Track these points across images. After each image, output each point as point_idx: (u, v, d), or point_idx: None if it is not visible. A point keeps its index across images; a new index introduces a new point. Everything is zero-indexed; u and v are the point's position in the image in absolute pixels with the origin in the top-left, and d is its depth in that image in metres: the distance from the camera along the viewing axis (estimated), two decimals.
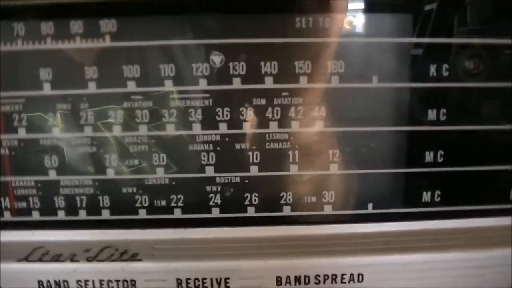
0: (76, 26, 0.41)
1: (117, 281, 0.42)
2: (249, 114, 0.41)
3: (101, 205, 0.43)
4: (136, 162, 0.42)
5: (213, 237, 0.43)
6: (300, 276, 0.41)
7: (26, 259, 0.42)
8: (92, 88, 0.42)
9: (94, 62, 0.40)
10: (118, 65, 0.41)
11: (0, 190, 0.44)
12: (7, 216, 0.44)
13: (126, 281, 0.41)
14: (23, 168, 0.44)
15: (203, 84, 0.41)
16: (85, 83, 0.41)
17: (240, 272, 0.42)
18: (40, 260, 0.42)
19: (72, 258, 0.42)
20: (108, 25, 0.40)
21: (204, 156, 0.42)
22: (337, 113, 0.42)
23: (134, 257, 0.42)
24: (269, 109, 0.41)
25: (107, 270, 0.42)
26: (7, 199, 0.44)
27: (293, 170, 0.43)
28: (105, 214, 0.43)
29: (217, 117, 0.41)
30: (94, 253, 0.42)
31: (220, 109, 0.41)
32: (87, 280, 0.42)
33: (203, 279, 0.42)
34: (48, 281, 0.42)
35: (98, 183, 0.43)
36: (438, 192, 0.43)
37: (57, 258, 0.42)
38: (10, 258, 0.42)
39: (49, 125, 0.43)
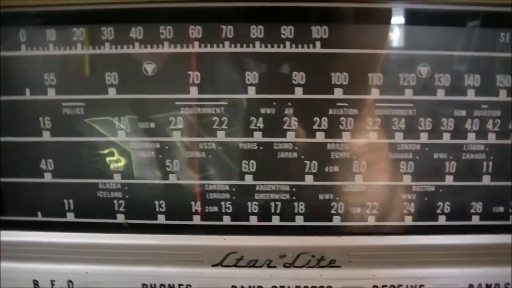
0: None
1: (314, 287, 0.41)
2: (450, 125, 0.42)
3: (296, 211, 0.43)
4: (335, 169, 0.42)
5: (406, 243, 0.43)
6: None
7: (221, 264, 0.42)
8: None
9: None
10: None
11: (190, 194, 0.43)
12: (196, 220, 0.44)
13: (323, 287, 0.41)
14: (214, 172, 0.44)
15: (408, 94, 0.41)
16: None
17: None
18: (236, 265, 0.42)
19: (269, 264, 0.42)
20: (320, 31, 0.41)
21: (403, 164, 0.42)
22: None
23: (332, 264, 0.42)
24: (469, 121, 0.42)
25: (304, 277, 0.42)
26: (198, 203, 0.43)
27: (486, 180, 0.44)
28: (299, 220, 0.43)
29: (419, 127, 0.42)
30: (291, 259, 0.42)
31: (423, 119, 0.42)
32: (283, 286, 0.41)
33: (399, 285, 0.42)
34: (242, 287, 0.41)
35: (294, 189, 0.43)
36: None
37: (253, 264, 0.42)
38: (204, 263, 0.42)
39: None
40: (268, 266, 0.42)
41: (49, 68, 0.43)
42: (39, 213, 0.45)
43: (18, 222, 0.45)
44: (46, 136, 0.44)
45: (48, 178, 0.45)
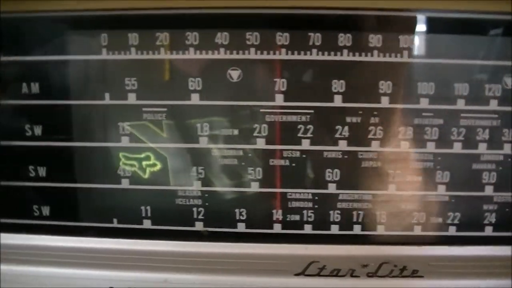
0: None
1: None
2: None
3: (378, 220, 0.43)
4: (418, 178, 0.42)
5: (487, 254, 0.43)
6: None
7: (304, 273, 0.41)
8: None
9: None
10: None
11: (271, 202, 0.43)
12: (277, 229, 0.43)
13: None
14: (297, 181, 0.44)
15: (493, 105, 0.41)
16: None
17: None
18: (318, 274, 0.41)
19: (352, 274, 0.41)
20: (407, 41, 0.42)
21: (485, 175, 0.42)
22: None
23: (414, 274, 0.42)
24: None
25: (388, 286, 0.41)
26: (279, 212, 0.43)
27: None
28: (380, 230, 0.43)
29: (502, 138, 0.42)
30: (373, 269, 0.42)
31: (507, 130, 0.42)
32: None
33: None
34: None
35: (377, 198, 0.43)
36: None
37: (336, 273, 0.42)
38: (285, 272, 0.41)
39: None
40: (351, 276, 0.41)
41: (131, 73, 0.41)
42: (114, 220, 0.44)
43: (94, 229, 0.44)
44: (125, 142, 0.42)
45: (125, 184, 0.43)
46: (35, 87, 0.43)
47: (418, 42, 0.41)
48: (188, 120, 0.43)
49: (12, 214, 0.45)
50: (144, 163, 0.45)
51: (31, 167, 0.44)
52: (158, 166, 0.45)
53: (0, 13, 0.40)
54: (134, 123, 0.43)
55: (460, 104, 0.42)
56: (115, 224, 0.45)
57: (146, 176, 0.45)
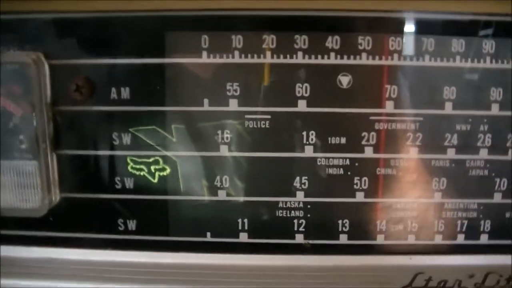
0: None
1: None
2: None
3: (482, 229, 0.43)
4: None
5: None
6: None
7: (411, 285, 0.41)
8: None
9: None
10: None
11: (375, 212, 0.42)
12: (380, 240, 0.42)
13: None
14: (401, 190, 0.43)
15: None
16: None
17: None
18: (426, 286, 0.41)
19: (460, 284, 0.41)
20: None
21: None
22: None
23: None
24: None
25: None
26: (383, 222, 0.42)
27: None
28: (483, 239, 0.43)
29: None
30: (480, 279, 0.41)
31: None
32: None
33: None
34: None
35: (482, 207, 0.42)
36: None
37: (443, 285, 0.41)
38: (391, 283, 0.40)
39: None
40: (459, 287, 0.40)
41: (232, 78, 0.39)
42: (208, 234, 0.41)
43: (184, 243, 0.41)
44: (224, 151, 0.40)
45: (222, 196, 0.41)
46: (125, 93, 0.39)
47: None
48: (292, 128, 0.41)
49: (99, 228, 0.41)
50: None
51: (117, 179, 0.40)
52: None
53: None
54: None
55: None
56: (208, 238, 0.41)
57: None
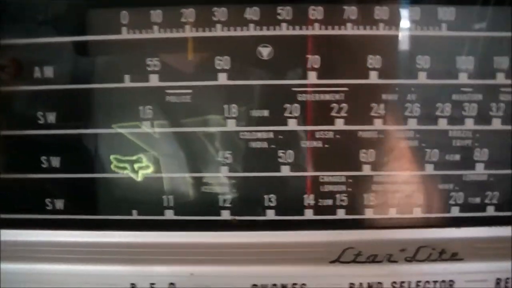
0: None
1: (435, 282, 0.40)
2: None
3: (413, 202, 0.41)
4: (457, 157, 0.41)
5: None
6: None
7: (339, 260, 0.39)
8: None
9: None
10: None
11: (302, 187, 0.41)
12: (309, 215, 0.41)
13: (444, 281, 0.40)
14: (329, 163, 0.42)
15: None
16: None
17: None
18: (354, 261, 0.39)
19: (389, 259, 0.39)
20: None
21: None
22: None
23: (454, 257, 0.40)
24: None
25: (427, 271, 0.39)
26: (311, 197, 0.41)
27: None
28: (417, 212, 0.41)
29: None
30: (412, 253, 0.40)
31: None
32: (403, 282, 0.39)
33: None
34: (360, 283, 0.39)
35: (414, 179, 0.41)
36: None
37: (373, 259, 0.39)
38: (320, 260, 0.39)
39: None
40: (389, 261, 0.39)
41: (152, 53, 0.38)
42: (134, 212, 0.40)
43: (111, 222, 0.40)
44: (146, 127, 0.39)
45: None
46: (49, 71, 0.38)
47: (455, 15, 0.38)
48: (215, 102, 0.39)
49: (22, 209, 0.40)
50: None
51: (43, 158, 0.40)
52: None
53: None
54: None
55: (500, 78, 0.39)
56: (134, 216, 0.40)
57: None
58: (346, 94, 0.40)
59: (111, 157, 0.40)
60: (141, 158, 0.40)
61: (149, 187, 0.41)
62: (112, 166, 0.41)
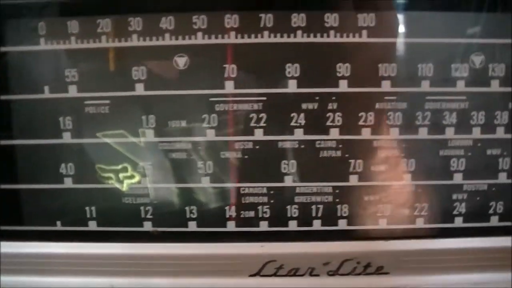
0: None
1: None
2: (504, 118, 0.38)
3: (339, 214, 0.40)
4: (382, 168, 0.39)
5: (458, 247, 0.39)
6: None
7: (259, 274, 0.38)
8: None
9: None
10: None
11: (224, 198, 0.40)
12: (231, 227, 0.40)
13: None
14: (251, 174, 0.41)
15: (460, 86, 0.38)
16: None
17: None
18: (275, 274, 0.38)
19: (311, 272, 0.38)
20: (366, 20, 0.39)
21: (454, 162, 0.39)
22: None
23: (379, 271, 0.38)
24: None
25: (350, 285, 0.38)
26: (232, 208, 0.40)
27: None
28: (342, 225, 0.40)
29: (471, 121, 0.38)
30: (335, 267, 0.38)
31: (476, 113, 0.38)
32: None
33: None
34: None
35: (338, 190, 0.39)
36: None
37: (294, 273, 0.38)
38: (241, 272, 0.38)
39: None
40: (311, 275, 0.38)
41: (71, 64, 0.38)
42: (58, 222, 0.40)
43: (36, 233, 0.40)
44: (67, 138, 0.39)
45: (68, 183, 0.39)
46: None
47: (376, 21, 0.36)
48: (134, 112, 0.38)
49: None
50: None
51: None
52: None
53: None
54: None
55: (425, 86, 0.37)
56: (58, 227, 0.40)
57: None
58: (265, 104, 0.38)
59: None
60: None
61: (72, 198, 0.40)
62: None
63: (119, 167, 0.40)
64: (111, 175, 0.40)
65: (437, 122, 0.39)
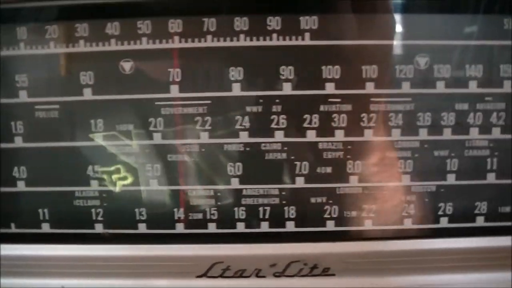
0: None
1: None
2: (450, 120, 0.38)
3: (286, 216, 0.40)
4: (328, 170, 0.39)
5: (407, 249, 0.39)
6: None
7: (206, 275, 0.38)
8: None
9: None
10: None
11: (172, 200, 0.40)
12: (180, 229, 0.40)
13: None
14: (198, 177, 0.42)
15: (406, 87, 0.38)
16: None
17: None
18: (222, 276, 0.38)
19: (258, 274, 0.38)
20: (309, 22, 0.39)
21: (401, 163, 0.39)
22: None
23: (325, 272, 0.38)
24: (471, 115, 0.38)
25: (296, 286, 0.38)
26: (181, 210, 0.40)
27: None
28: (290, 226, 0.40)
29: (417, 122, 0.38)
30: (281, 268, 0.39)
31: (422, 114, 0.38)
32: None
33: None
34: None
35: (284, 192, 0.39)
36: None
37: (240, 274, 0.38)
38: (188, 274, 0.38)
39: None
40: (257, 276, 0.38)
41: (20, 69, 0.38)
42: (12, 225, 0.41)
43: None
44: (18, 142, 0.39)
45: (21, 186, 0.40)
46: None
47: (319, 24, 0.37)
48: (82, 116, 0.39)
49: None
50: None
51: None
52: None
53: None
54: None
55: (370, 88, 0.37)
56: (13, 229, 0.41)
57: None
58: (209, 107, 0.38)
59: None
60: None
61: (27, 200, 0.41)
62: None
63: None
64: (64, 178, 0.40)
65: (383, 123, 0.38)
